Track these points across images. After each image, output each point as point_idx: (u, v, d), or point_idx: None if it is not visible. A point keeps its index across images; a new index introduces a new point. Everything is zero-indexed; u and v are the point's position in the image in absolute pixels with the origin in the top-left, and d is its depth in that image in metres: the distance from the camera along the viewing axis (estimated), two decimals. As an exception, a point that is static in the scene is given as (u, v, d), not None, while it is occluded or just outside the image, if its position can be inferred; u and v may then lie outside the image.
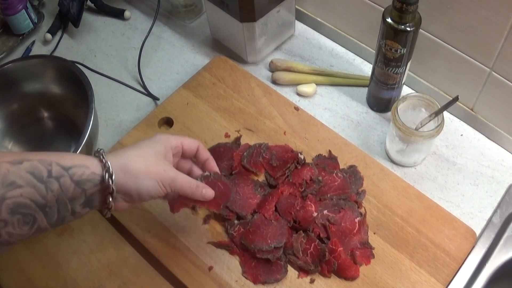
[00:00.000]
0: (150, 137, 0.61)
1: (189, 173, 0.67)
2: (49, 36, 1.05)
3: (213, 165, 0.67)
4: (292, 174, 0.77)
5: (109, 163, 0.54)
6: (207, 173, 0.65)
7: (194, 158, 0.67)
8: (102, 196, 0.54)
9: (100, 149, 0.56)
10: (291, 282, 0.70)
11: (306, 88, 0.92)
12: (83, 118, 0.79)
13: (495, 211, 0.76)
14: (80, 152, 0.75)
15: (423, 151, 0.81)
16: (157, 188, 0.57)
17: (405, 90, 0.90)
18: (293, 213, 0.73)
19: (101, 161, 0.54)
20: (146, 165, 0.56)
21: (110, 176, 0.53)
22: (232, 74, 0.92)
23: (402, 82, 0.84)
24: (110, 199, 0.54)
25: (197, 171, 0.68)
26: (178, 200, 0.63)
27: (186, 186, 0.59)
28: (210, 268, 0.72)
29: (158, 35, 1.05)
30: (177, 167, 0.63)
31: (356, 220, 0.73)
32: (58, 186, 0.51)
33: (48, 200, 0.50)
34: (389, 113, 0.83)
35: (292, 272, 0.71)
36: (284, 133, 0.84)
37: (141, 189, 0.56)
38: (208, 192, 0.62)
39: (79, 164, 0.53)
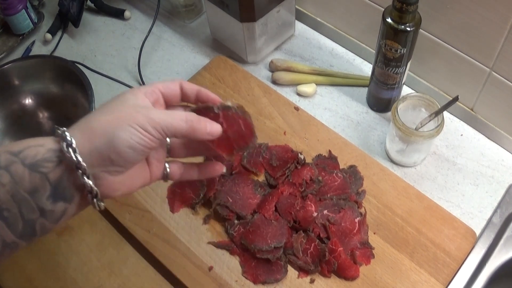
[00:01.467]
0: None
1: None
2: (49, 36, 1.05)
3: (213, 97, 0.51)
4: (292, 174, 0.77)
5: (66, 131, 0.42)
6: (228, 103, 0.50)
7: (184, 99, 0.52)
8: (74, 179, 0.42)
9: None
10: (291, 282, 0.70)
11: (306, 88, 0.92)
12: (83, 118, 0.79)
13: (495, 211, 0.76)
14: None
15: (423, 151, 0.81)
16: (138, 134, 0.42)
17: (405, 90, 0.90)
18: (293, 213, 0.73)
19: (56, 135, 0.42)
20: (113, 115, 0.43)
21: (69, 144, 0.41)
22: (232, 74, 0.92)
23: (402, 82, 0.84)
24: (85, 178, 0.41)
25: None
26: (181, 146, 0.52)
27: (178, 119, 0.45)
28: (210, 268, 0.72)
29: (158, 35, 1.05)
30: None
31: (356, 220, 0.73)
32: (10, 177, 0.40)
33: (1, 199, 0.39)
34: (389, 113, 0.83)
35: (292, 272, 0.71)
36: (284, 133, 0.84)
37: (117, 145, 0.42)
38: (214, 127, 0.48)
39: (31, 145, 0.42)
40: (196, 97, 0.51)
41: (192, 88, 0.51)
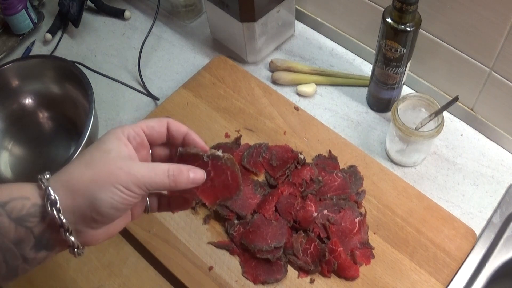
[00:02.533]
0: (102, 136, 0.47)
1: None
2: (49, 36, 1.05)
3: (198, 141, 0.50)
4: (292, 174, 0.77)
5: (49, 188, 0.41)
6: (218, 152, 0.49)
7: (170, 140, 0.50)
8: (56, 233, 0.42)
9: (45, 172, 0.43)
10: (291, 282, 0.70)
11: (306, 88, 0.92)
12: (83, 118, 0.79)
13: (495, 211, 0.76)
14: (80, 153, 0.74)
15: (423, 151, 0.81)
16: (120, 195, 0.42)
17: (405, 90, 0.90)
18: (293, 213, 0.73)
19: (40, 187, 0.42)
20: (94, 172, 0.42)
21: (53, 203, 0.41)
22: (232, 74, 0.92)
23: (402, 82, 0.84)
24: (68, 235, 0.42)
25: None
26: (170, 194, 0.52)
27: (161, 175, 0.44)
28: (210, 268, 0.72)
29: (158, 35, 1.05)
30: (154, 158, 0.50)
31: (356, 220, 0.73)
32: None
33: None
34: (389, 113, 0.83)
35: (292, 272, 0.71)
36: (284, 133, 0.84)
37: (99, 206, 0.41)
38: (197, 175, 0.47)
39: (17, 197, 0.42)
40: (183, 140, 0.50)
41: (179, 130, 0.49)
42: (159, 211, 0.53)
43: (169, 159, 0.51)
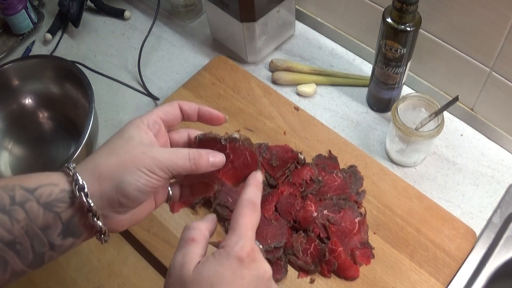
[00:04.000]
0: (123, 126, 0.48)
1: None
2: (49, 36, 1.05)
3: (212, 110, 0.51)
4: (292, 174, 0.77)
5: (77, 174, 0.43)
6: (235, 134, 0.50)
7: (186, 118, 0.52)
8: (84, 219, 0.44)
9: (70, 163, 0.45)
10: (291, 282, 0.70)
11: (306, 88, 0.92)
12: (83, 118, 0.79)
13: (495, 211, 0.76)
14: (80, 153, 0.74)
15: (423, 151, 0.81)
16: (145, 177, 0.44)
17: (405, 90, 0.90)
18: (293, 213, 0.73)
19: (67, 174, 0.44)
20: (119, 158, 0.44)
21: (81, 189, 0.43)
22: (232, 74, 0.92)
23: (402, 82, 0.84)
24: (96, 220, 0.43)
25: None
26: (185, 179, 0.52)
27: (182, 158, 0.46)
28: (210, 268, 0.72)
29: (158, 35, 1.05)
30: (172, 144, 0.52)
31: (356, 220, 0.73)
32: (25, 214, 0.42)
33: (15, 234, 0.41)
34: (389, 113, 0.83)
35: (292, 272, 0.71)
36: (284, 133, 0.84)
37: (125, 189, 0.43)
38: (216, 158, 0.48)
39: (45, 183, 0.43)
40: (198, 115, 0.51)
41: (191, 108, 0.51)
42: (181, 199, 0.54)
43: (187, 145, 0.52)
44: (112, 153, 0.45)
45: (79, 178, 0.43)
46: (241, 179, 0.51)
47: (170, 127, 0.51)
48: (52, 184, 0.43)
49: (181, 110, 0.51)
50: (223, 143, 0.49)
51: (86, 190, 0.43)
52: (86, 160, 0.45)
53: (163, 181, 0.45)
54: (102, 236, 0.45)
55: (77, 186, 0.42)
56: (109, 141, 0.46)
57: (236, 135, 0.49)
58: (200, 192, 0.55)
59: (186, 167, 0.46)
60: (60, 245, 0.44)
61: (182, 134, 0.52)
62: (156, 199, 0.51)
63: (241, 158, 0.50)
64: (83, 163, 0.45)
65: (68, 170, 0.44)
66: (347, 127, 0.89)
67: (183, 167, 0.46)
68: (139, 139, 0.46)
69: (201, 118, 0.52)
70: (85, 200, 0.42)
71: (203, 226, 0.48)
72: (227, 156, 0.49)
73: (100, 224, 0.44)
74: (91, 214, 0.43)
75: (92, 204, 0.43)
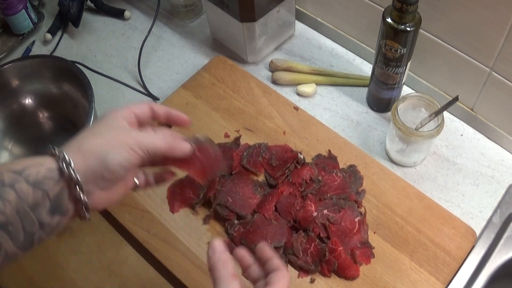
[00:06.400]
0: (99, 118, 0.54)
1: None
2: (49, 36, 1.05)
3: (179, 115, 0.58)
4: (292, 174, 0.77)
5: (63, 152, 0.47)
6: (198, 136, 0.58)
7: (155, 118, 0.58)
8: (71, 194, 0.47)
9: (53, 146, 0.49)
10: (291, 282, 0.70)
11: (306, 88, 0.92)
12: (83, 118, 0.79)
13: (495, 211, 0.76)
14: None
15: (423, 151, 0.81)
16: (126, 154, 0.49)
17: (405, 90, 0.90)
18: (293, 213, 0.73)
19: (53, 154, 0.47)
20: (103, 137, 0.49)
21: (68, 164, 0.46)
22: (231, 74, 0.92)
23: (402, 82, 0.84)
24: (81, 194, 0.47)
25: None
26: (160, 162, 0.57)
27: (159, 140, 0.52)
28: (210, 268, 0.72)
29: (158, 35, 1.05)
30: None
31: (356, 219, 0.73)
32: (15, 194, 0.44)
33: (7, 215, 0.43)
34: (389, 113, 0.83)
35: (292, 272, 0.71)
36: (284, 133, 0.85)
37: (108, 163, 0.48)
38: (186, 145, 0.55)
39: (31, 164, 0.46)
40: (166, 116, 0.57)
41: (161, 109, 0.57)
42: (147, 186, 0.60)
43: None
44: (95, 134, 0.50)
45: (65, 155, 0.46)
46: (208, 175, 0.59)
47: (140, 123, 0.56)
48: (38, 164, 0.46)
49: (152, 110, 0.56)
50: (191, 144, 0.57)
51: (72, 165, 0.46)
52: (68, 142, 0.49)
53: (141, 160, 0.50)
54: (86, 212, 0.48)
55: (63, 162, 0.46)
56: (91, 128, 0.52)
57: (199, 137, 0.58)
58: (162, 180, 0.61)
59: (162, 148, 0.52)
60: (49, 223, 0.46)
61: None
62: (127, 184, 0.54)
63: (206, 155, 0.57)
64: (66, 144, 0.49)
65: (53, 150, 0.47)
66: (347, 127, 0.89)
67: (159, 148, 0.51)
68: (118, 124, 0.51)
69: (170, 119, 0.58)
70: (72, 173, 0.46)
71: (228, 255, 0.54)
72: (196, 157, 0.56)
73: (85, 198, 0.47)
74: (77, 187, 0.46)
75: (78, 177, 0.46)
